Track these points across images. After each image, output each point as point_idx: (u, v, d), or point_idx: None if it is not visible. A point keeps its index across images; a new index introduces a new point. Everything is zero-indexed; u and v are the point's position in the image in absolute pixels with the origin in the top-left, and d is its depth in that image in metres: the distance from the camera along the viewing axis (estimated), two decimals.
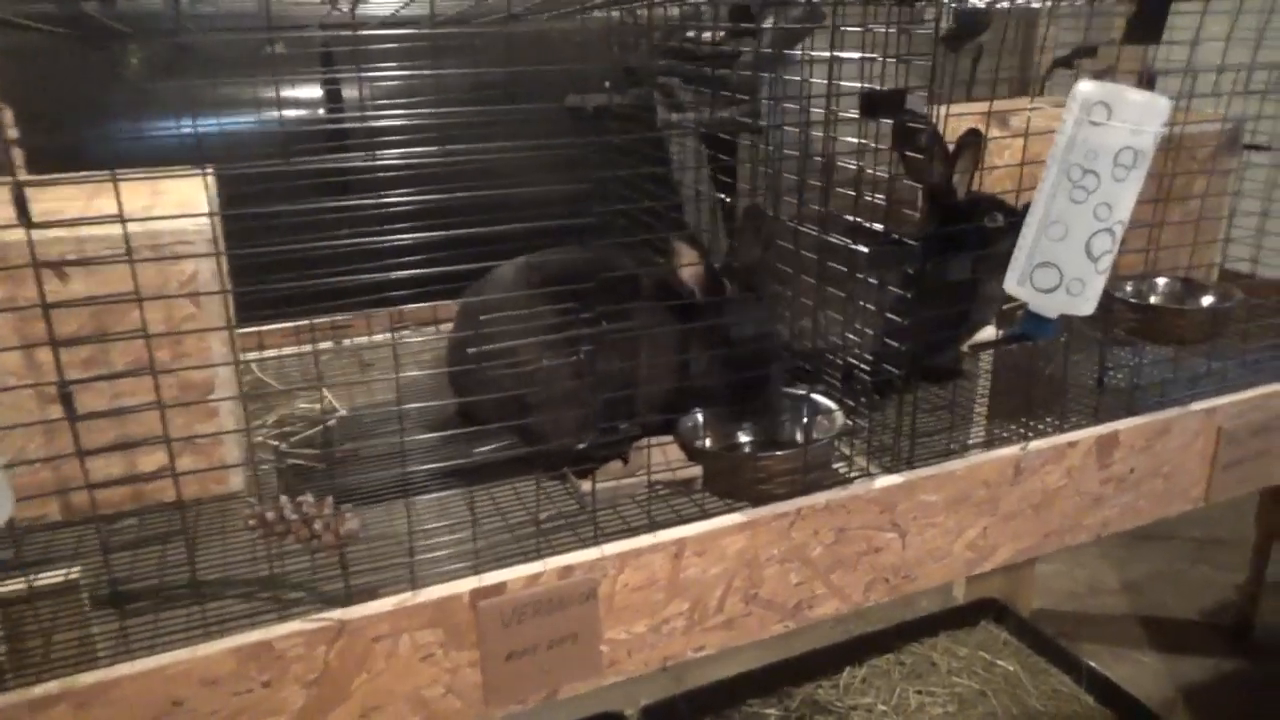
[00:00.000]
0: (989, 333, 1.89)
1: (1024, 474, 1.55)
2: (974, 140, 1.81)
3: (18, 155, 2.42)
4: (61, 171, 1.79)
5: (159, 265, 1.44)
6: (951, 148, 1.79)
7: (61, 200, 1.59)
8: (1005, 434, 1.62)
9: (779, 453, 1.44)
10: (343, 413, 1.89)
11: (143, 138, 2.41)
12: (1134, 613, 3.60)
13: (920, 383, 1.89)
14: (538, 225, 1.30)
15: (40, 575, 1.18)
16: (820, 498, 1.40)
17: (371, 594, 1.20)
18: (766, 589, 1.40)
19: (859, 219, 1.49)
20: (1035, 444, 1.56)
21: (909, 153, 1.63)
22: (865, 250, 1.41)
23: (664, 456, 1.47)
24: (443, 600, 1.20)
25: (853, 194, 1.52)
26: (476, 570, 1.25)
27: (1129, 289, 2.14)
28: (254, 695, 1.13)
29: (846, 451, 1.62)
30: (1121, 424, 1.63)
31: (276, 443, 1.71)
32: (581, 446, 1.46)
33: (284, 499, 1.36)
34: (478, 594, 1.21)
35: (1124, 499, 1.68)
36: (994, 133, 1.86)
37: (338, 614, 1.16)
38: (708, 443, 1.56)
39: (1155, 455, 1.68)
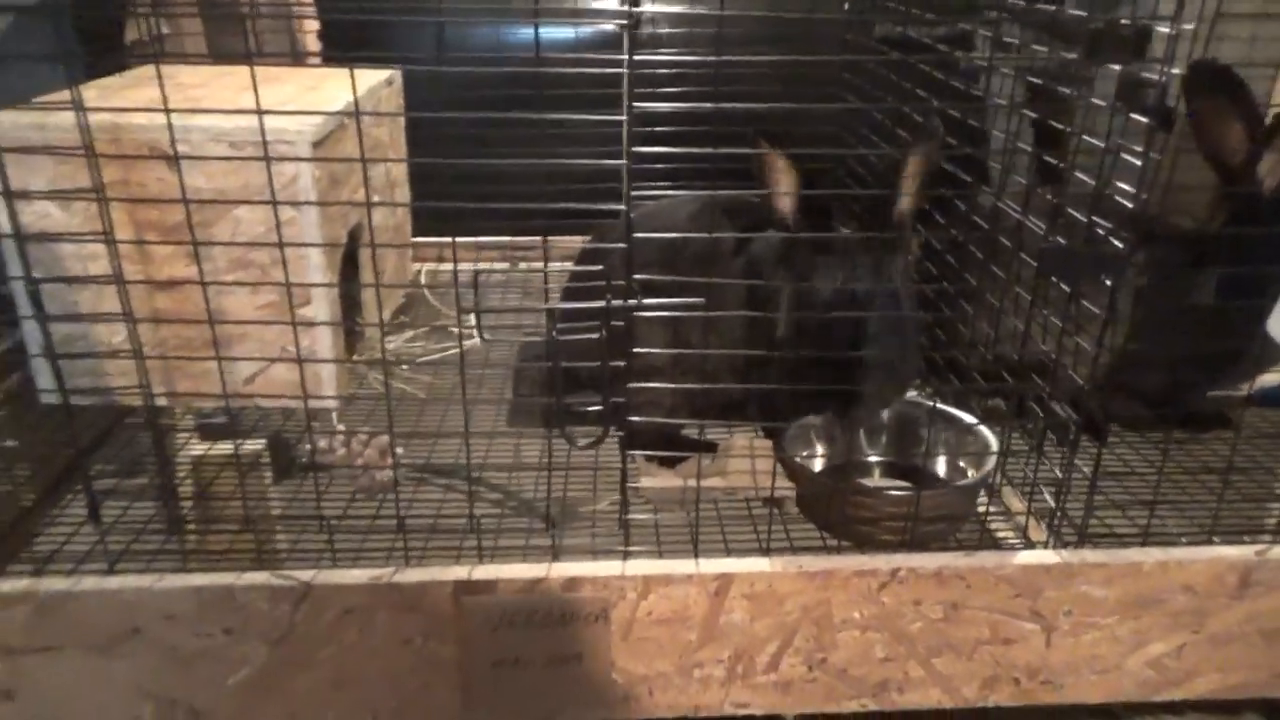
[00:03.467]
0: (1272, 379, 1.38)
1: (1254, 588, 1.10)
2: None
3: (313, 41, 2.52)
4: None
5: (259, 165, 1.37)
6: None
7: (185, 89, 1.58)
8: (1240, 527, 1.17)
9: (886, 489, 1.11)
10: (476, 342, 1.78)
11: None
12: None
13: (1166, 428, 1.44)
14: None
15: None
16: (932, 560, 1.07)
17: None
18: (840, 656, 1.11)
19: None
20: None
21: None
22: (1048, 248, 1.03)
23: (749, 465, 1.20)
24: (422, 585, 1.04)
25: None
26: (481, 558, 1.08)
27: None
28: (214, 640, 1.05)
29: (1012, 505, 1.25)
30: None
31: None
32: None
33: (339, 435, 1.27)
34: (462, 587, 1.04)
35: None
36: None
37: (305, 576, 1.04)
38: (818, 455, 1.26)
39: None
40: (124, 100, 1.49)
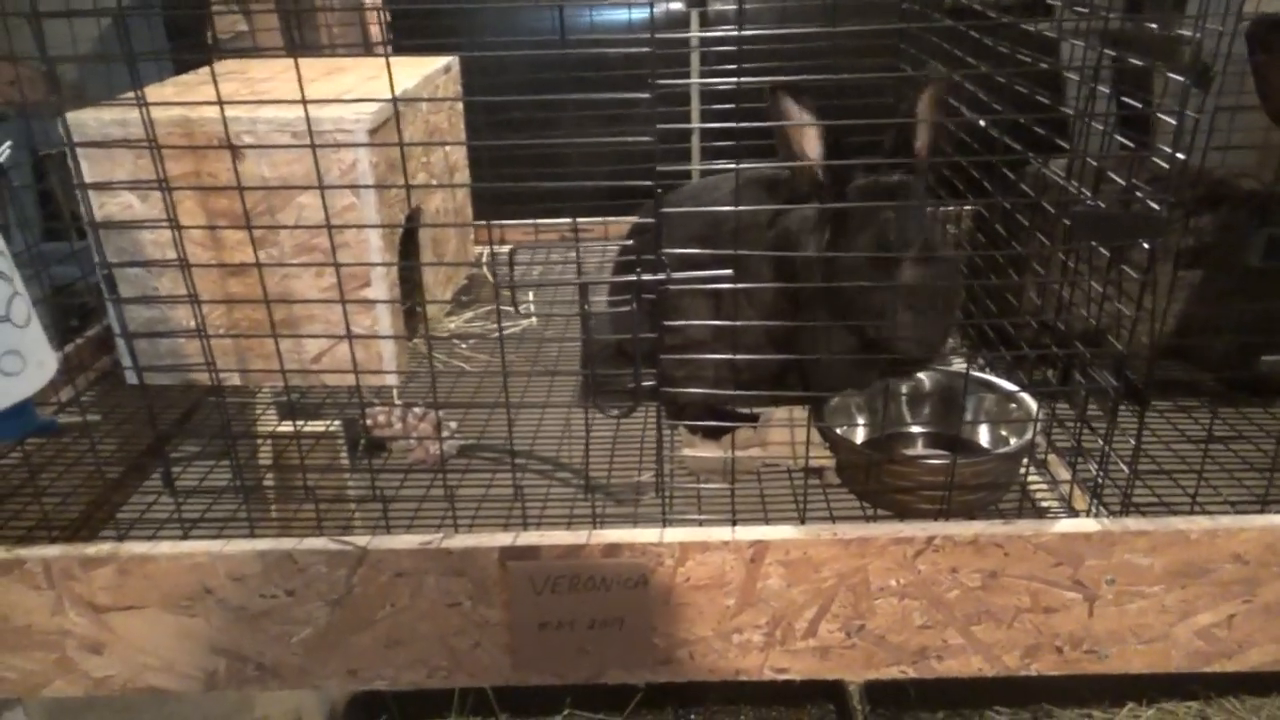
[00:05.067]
0: None
1: None
2: None
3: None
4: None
5: (320, 152, 1.43)
6: None
7: (253, 83, 1.65)
8: None
9: (922, 458, 1.12)
10: (526, 323, 1.82)
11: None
12: None
13: (1228, 394, 1.41)
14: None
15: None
16: (968, 529, 1.08)
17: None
18: (878, 623, 1.12)
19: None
20: None
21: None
22: (1079, 210, 1.01)
23: (790, 436, 1.22)
24: (469, 551, 1.09)
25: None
26: (526, 525, 1.13)
27: None
28: (278, 601, 1.12)
29: (1059, 474, 1.24)
30: None
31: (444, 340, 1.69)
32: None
33: (397, 409, 1.33)
34: (507, 553, 1.09)
35: None
36: None
37: (361, 541, 1.10)
38: (859, 425, 1.26)
39: None
40: (197, 96, 1.57)
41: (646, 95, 0.90)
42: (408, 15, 2.30)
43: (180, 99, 1.54)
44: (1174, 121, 0.91)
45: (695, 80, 2.17)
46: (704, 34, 1.08)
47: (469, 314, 1.85)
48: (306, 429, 1.39)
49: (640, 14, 2.21)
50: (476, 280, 2.01)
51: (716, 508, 1.20)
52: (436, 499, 1.23)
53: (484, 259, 2.08)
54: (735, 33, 0.93)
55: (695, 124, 2.27)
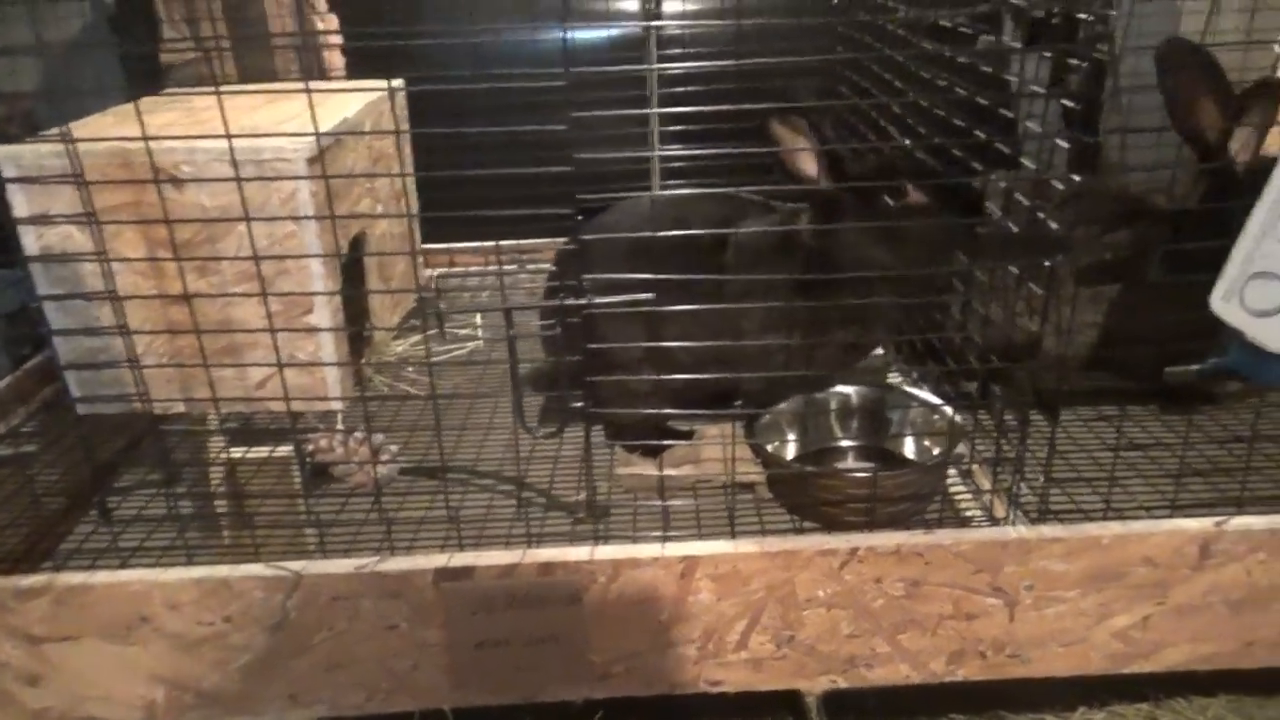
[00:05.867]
0: None
1: (1215, 558, 1.12)
2: (1270, 88, 1.31)
3: (339, 59, 2.64)
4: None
5: (261, 182, 1.45)
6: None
7: (196, 111, 1.66)
8: (1205, 498, 1.18)
9: (847, 471, 1.16)
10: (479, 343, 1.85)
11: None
12: None
13: (1157, 404, 1.46)
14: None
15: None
16: (890, 539, 1.11)
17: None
18: (807, 633, 1.15)
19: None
20: (1241, 521, 1.11)
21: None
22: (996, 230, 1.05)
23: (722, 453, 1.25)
24: (404, 573, 1.11)
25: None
26: (461, 546, 1.15)
27: None
28: (216, 628, 1.13)
29: (983, 483, 1.28)
30: None
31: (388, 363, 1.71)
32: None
33: (338, 434, 1.35)
34: (442, 574, 1.11)
35: None
36: None
37: (297, 566, 1.11)
38: (790, 441, 1.30)
39: None
40: (134, 127, 1.58)
41: (563, 128, 0.93)
42: (360, 45, 2.32)
43: (117, 130, 1.55)
44: (1067, 145, 0.96)
45: (653, 111, 2.21)
46: (615, 70, 1.09)
47: (416, 337, 1.87)
48: (250, 455, 1.41)
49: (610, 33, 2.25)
50: (427, 303, 2.03)
51: (653, 523, 1.22)
52: (376, 523, 1.25)
53: (434, 281, 2.11)
54: (649, 67, 0.96)
55: (654, 151, 2.32)
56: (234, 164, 1.07)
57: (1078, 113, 1.03)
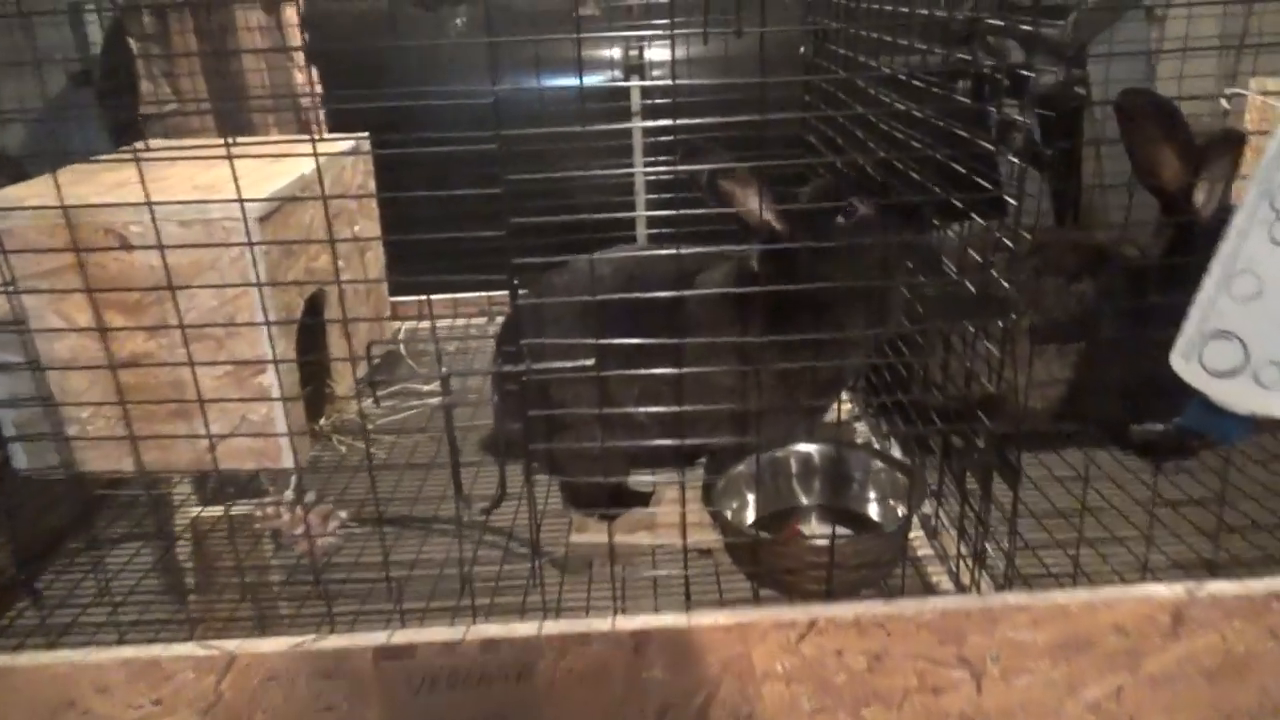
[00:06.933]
0: None
1: (1189, 626, 1.08)
2: (1231, 139, 1.29)
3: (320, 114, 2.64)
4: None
5: (211, 240, 1.42)
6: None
7: (155, 168, 1.64)
8: (1181, 561, 1.14)
9: (804, 538, 1.12)
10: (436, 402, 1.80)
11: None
12: None
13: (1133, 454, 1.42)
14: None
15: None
16: (849, 610, 1.07)
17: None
18: (766, 709, 1.10)
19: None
20: (1215, 587, 1.07)
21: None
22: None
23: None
24: (342, 651, 1.06)
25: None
26: (405, 621, 1.10)
27: None
28: (146, 711, 1.08)
29: (949, 548, 1.23)
30: None
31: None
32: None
33: (285, 502, 1.31)
34: (382, 652, 1.06)
35: None
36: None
37: (231, 646, 1.06)
38: (749, 504, 1.26)
39: None
40: (86, 185, 1.56)
41: (497, 191, 0.90)
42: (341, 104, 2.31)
43: (67, 189, 1.53)
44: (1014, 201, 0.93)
45: (637, 170, 2.20)
46: (544, 131, 1.05)
47: (381, 393, 1.83)
48: (205, 513, 1.36)
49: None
50: (391, 359, 2.00)
51: (607, 592, 1.18)
52: (318, 597, 1.20)
53: (400, 335, 2.07)
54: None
55: (639, 212, 2.30)
56: (155, 231, 1.03)
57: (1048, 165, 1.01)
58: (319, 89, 2.53)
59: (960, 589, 1.13)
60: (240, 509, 1.47)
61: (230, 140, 0.96)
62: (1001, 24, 1.18)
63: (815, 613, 1.06)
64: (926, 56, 1.25)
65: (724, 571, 1.22)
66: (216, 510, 1.46)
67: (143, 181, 1.03)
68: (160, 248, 1.13)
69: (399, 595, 1.10)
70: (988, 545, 1.13)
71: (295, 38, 2.53)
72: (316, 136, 1.78)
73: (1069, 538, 1.16)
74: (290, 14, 2.58)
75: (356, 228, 1.89)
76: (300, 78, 2.61)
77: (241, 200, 1.13)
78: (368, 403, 1.67)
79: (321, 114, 2.56)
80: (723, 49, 2.24)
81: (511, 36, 0.92)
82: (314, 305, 1.68)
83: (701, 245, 1.33)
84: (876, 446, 1.29)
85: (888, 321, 1.28)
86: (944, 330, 1.15)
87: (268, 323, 1.32)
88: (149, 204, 1.06)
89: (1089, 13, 1.55)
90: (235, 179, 0.96)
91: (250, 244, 1.22)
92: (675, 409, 1.15)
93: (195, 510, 1.52)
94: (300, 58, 2.57)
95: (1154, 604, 1.07)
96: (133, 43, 2.56)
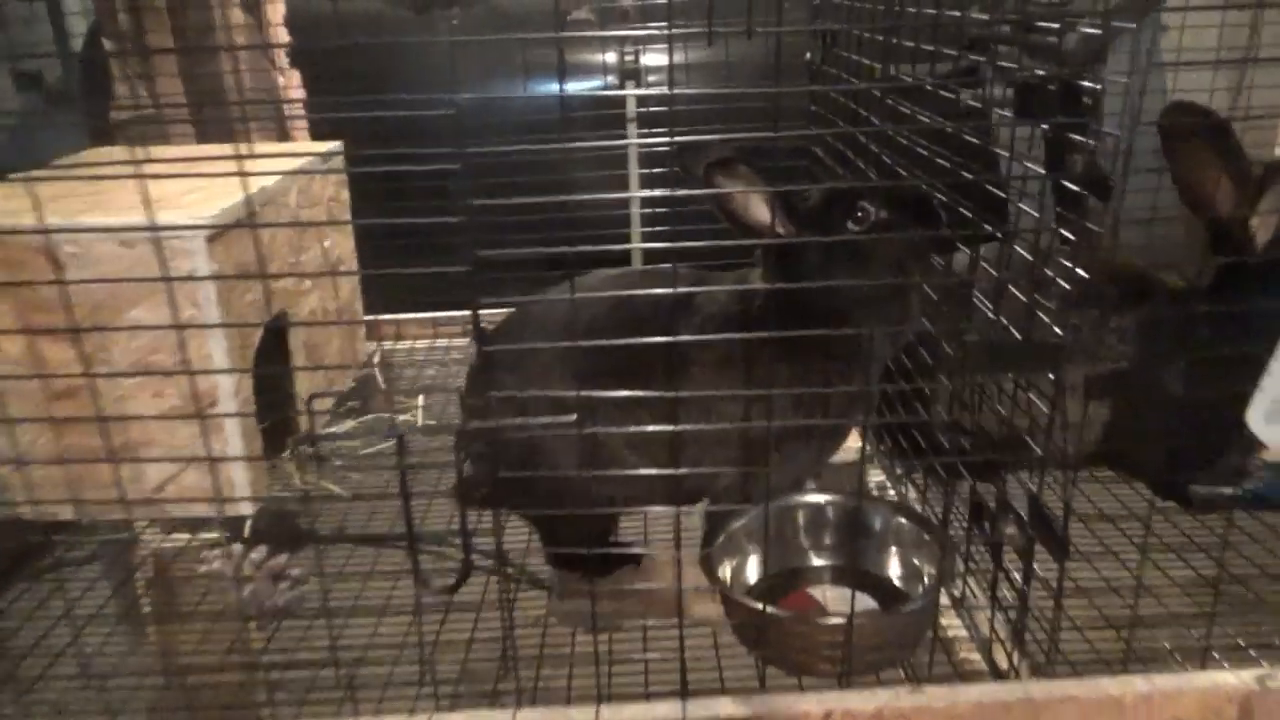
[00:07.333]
0: None
1: (1260, 718, 0.94)
2: None
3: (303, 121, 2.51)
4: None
5: (159, 260, 1.28)
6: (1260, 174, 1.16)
7: (99, 182, 1.49)
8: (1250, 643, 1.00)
9: (816, 617, 0.97)
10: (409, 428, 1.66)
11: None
12: None
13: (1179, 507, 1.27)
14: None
15: None
16: (870, 700, 0.92)
17: None
18: None
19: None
20: None
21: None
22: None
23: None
24: None
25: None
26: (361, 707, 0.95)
27: None
28: None
29: (983, 625, 1.09)
30: None
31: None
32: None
33: (236, 554, 1.17)
34: None
35: None
36: None
37: None
38: (750, 562, 1.11)
39: None
40: (21, 200, 1.41)
41: (457, 220, 0.76)
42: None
43: (9, 203, 1.39)
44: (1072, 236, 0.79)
45: (635, 194, 2.06)
46: (512, 150, 0.91)
47: (351, 424, 1.68)
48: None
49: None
50: (365, 383, 1.85)
51: (591, 674, 1.03)
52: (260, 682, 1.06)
53: (375, 358, 1.93)
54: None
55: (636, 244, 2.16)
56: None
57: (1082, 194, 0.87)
58: (301, 93, 2.41)
59: (996, 674, 0.99)
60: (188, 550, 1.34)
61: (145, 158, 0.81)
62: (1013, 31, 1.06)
63: (831, 703, 0.92)
64: (936, 64, 1.13)
65: (724, 644, 1.08)
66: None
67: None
68: (96, 281, 0.98)
69: (349, 684, 0.95)
70: (1027, 624, 0.98)
71: (277, 39, 2.39)
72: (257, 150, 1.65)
73: (1120, 614, 1.02)
74: (271, 14, 2.45)
75: (327, 243, 1.75)
76: (282, 81, 2.48)
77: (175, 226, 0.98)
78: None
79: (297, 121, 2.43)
80: (723, 54, 2.11)
81: (479, 38, 0.78)
82: (279, 325, 1.54)
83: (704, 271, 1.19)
84: (894, 497, 1.15)
85: (907, 324, 1.13)
86: (980, 381, 1.01)
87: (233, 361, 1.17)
88: (73, 229, 0.91)
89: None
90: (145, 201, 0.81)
91: (189, 278, 1.07)
92: (674, 428, 1.01)
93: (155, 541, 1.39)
94: (283, 59, 2.44)
95: (1220, 695, 0.93)
96: (107, 43, 2.43)
